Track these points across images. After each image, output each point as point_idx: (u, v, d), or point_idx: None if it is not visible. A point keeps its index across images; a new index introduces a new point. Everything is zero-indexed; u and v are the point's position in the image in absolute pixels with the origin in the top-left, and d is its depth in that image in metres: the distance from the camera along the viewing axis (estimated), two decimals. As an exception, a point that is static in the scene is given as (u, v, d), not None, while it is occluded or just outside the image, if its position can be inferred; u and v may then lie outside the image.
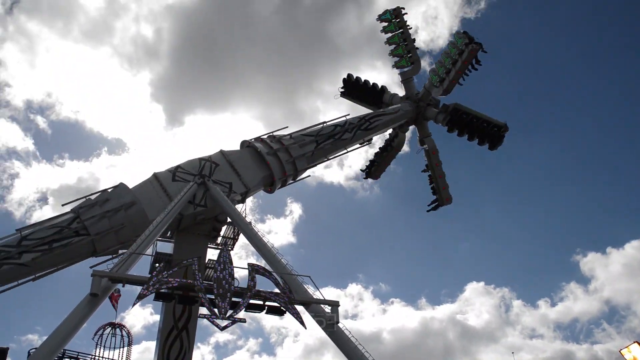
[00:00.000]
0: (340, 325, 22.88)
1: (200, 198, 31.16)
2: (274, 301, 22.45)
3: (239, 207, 33.08)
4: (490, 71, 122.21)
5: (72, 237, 28.18)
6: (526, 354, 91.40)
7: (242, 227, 28.95)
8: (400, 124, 47.77)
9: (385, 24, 47.75)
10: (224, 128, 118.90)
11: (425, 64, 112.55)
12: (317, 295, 23.89)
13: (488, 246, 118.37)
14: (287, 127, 39.38)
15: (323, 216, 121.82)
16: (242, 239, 34.43)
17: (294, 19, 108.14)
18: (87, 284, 21.23)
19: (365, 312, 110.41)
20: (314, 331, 23.58)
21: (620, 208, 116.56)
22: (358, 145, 43.55)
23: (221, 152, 35.24)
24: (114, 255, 29.58)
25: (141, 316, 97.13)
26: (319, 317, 23.15)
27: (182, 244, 32.35)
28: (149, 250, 28.72)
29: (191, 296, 21.90)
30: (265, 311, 22.68)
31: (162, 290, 21.51)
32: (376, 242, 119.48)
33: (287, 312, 22.48)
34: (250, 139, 36.93)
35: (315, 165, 39.84)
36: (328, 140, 39.20)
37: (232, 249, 34.07)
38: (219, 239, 34.60)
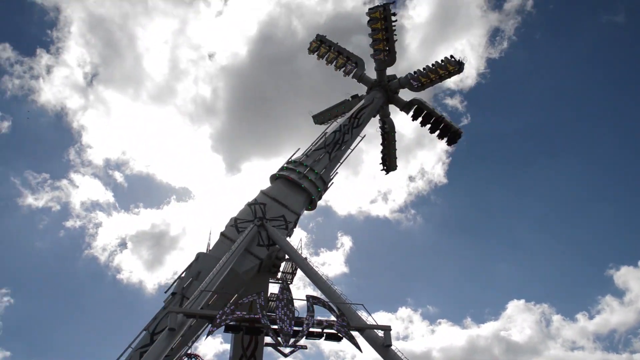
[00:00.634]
0: (393, 347, 24.68)
1: (266, 238, 33.74)
2: (332, 328, 24.31)
3: (294, 242, 35.42)
4: (519, 102, 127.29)
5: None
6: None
7: (299, 262, 31.28)
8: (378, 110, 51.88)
9: (372, 19, 49.94)
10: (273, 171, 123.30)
11: (456, 102, 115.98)
12: (370, 320, 25.76)
13: (526, 265, 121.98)
14: (298, 148, 42.77)
15: (371, 247, 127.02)
16: (299, 272, 36.64)
17: (334, 71, 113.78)
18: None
19: (415, 333, 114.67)
20: (369, 353, 25.41)
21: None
22: (358, 141, 46.86)
23: (261, 191, 37.89)
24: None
25: (212, 345, 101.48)
26: (373, 341, 25.02)
27: (248, 280, 34.91)
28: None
29: (257, 327, 23.93)
30: (324, 338, 24.50)
31: (231, 323, 23.68)
32: (422, 268, 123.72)
33: (343, 338, 24.44)
34: (277, 172, 39.84)
35: (335, 171, 43.26)
36: (336, 147, 42.86)
37: (291, 283, 36.13)
38: (279, 274, 36.93)
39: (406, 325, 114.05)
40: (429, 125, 52.73)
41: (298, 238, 36.19)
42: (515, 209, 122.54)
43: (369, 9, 49.13)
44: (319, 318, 24.45)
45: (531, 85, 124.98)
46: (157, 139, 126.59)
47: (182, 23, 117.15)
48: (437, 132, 52.96)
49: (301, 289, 41.60)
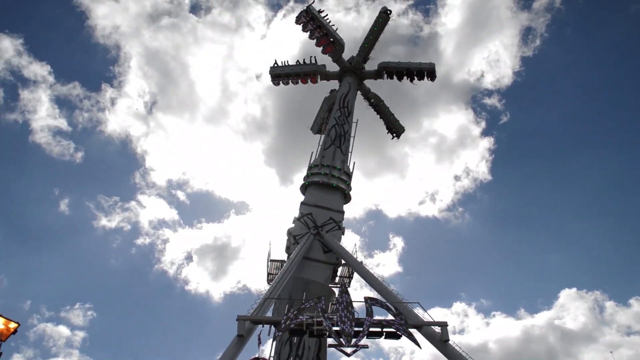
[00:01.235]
0: (450, 342, 25.71)
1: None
2: (390, 327, 25.32)
3: (349, 246, 36.88)
4: (556, 96, 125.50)
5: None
6: (626, 350, 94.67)
7: (355, 266, 32.65)
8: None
9: (301, 25, 51.21)
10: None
11: (495, 101, 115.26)
12: (426, 317, 26.84)
13: (575, 254, 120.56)
14: (312, 152, 44.80)
15: (423, 246, 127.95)
16: (356, 275, 38.02)
17: (375, 81, 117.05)
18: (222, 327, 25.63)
19: (471, 327, 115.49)
20: (427, 349, 26.45)
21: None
22: (355, 127, 48.63)
23: (302, 203, 39.57)
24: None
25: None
26: (431, 337, 26.08)
27: (307, 286, 36.55)
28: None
29: (319, 330, 24.98)
30: (383, 337, 25.51)
31: (295, 327, 25.01)
32: (473, 263, 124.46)
33: (402, 336, 25.50)
34: (305, 181, 41.58)
35: (351, 161, 45.38)
36: (341, 140, 44.88)
37: (349, 286, 37.44)
38: (337, 279, 38.40)
39: (461, 319, 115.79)
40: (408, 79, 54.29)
41: (352, 242, 37.54)
42: (560, 199, 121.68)
43: (296, 18, 50.62)
44: (377, 318, 25.45)
45: (567, 79, 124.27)
46: (213, 158, 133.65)
47: (230, 48, 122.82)
48: (415, 79, 54.15)
49: (358, 290, 42.85)
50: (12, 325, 22.62)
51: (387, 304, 26.63)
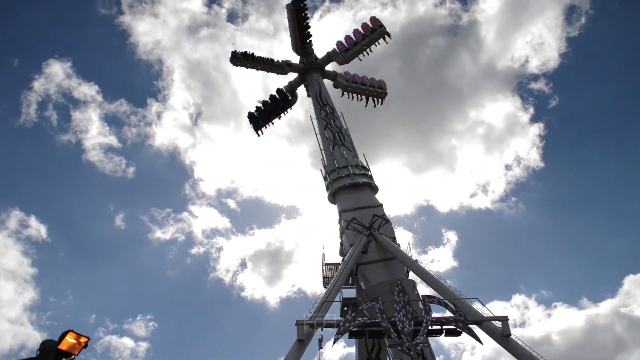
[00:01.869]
0: (512, 336, 25.35)
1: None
2: (450, 324, 25.44)
3: (403, 244, 36.69)
4: (606, 75, 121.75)
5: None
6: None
7: (410, 265, 32.47)
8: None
9: (370, 28, 51.84)
10: (376, 179, 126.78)
11: (542, 85, 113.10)
12: (486, 312, 26.53)
13: (638, 238, 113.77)
14: (321, 158, 44.99)
15: (477, 239, 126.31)
16: (412, 273, 37.84)
17: (417, 75, 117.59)
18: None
19: (532, 319, 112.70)
20: (488, 343, 26.28)
21: None
22: (342, 120, 48.02)
23: (341, 213, 39.48)
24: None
25: (336, 349, 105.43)
26: (492, 332, 25.76)
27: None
28: (337, 297, 33.15)
29: (378, 330, 25.45)
30: (443, 334, 25.64)
31: (354, 329, 25.35)
32: (530, 253, 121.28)
33: (462, 332, 25.37)
34: (331, 190, 41.65)
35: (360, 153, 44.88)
36: (340, 137, 44.82)
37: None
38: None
39: (522, 312, 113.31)
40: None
41: (405, 240, 37.39)
42: (619, 181, 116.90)
43: (375, 18, 51.95)
44: (436, 315, 25.51)
45: (616, 55, 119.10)
46: (260, 165, 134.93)
47: (269, 54, 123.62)
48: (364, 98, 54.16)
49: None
50: (83, 339, 23.52)
51: (445, 300, 26.54)
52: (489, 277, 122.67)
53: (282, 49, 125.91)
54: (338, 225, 40.20)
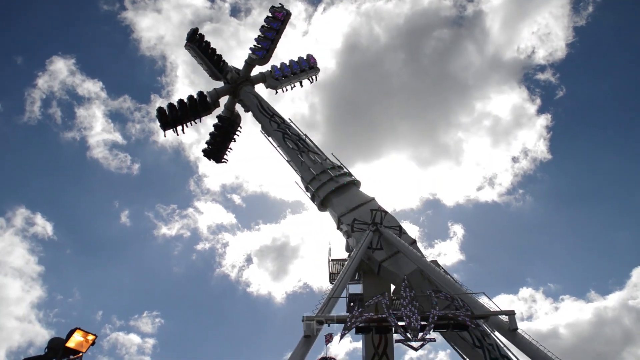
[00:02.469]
0: (519, 330, 25.31)
1: (377, 242, 35.33)
2: (457, 319, 25.22)
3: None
4: (615, 64, 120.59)
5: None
6: None
7: (415, 259, 32.50)
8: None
9: (274, 17, 50.05)
10: (381, 173, 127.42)
11: (548, 76, 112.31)
12: (492, 307, 26.53)
13: None
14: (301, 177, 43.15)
15: (484, 232, 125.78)
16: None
17: (421, 67, 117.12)
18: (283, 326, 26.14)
19: (540, 312, 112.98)
20: (495, 337, 26.26)
21: None
22: (294, 125, 46.97)
23: (339, 218, 38.86)
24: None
25: (343, 345, 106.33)
26: (498, 326, 25.75)
27: (369, 283, 36.78)
28: (344, 293, 33.29)
29: (385, 326, 25.33)
30: (451, 329, 25.67)
31: (360, 325, 25.27)
32: (538, 246, 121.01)
33: (470, 327, 25.33)
34: (320, 199, 40.66)
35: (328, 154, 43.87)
36: (303, 144, 44.17)
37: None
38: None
39: (529, 305, 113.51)
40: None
41: (411, 234, 37.19)
42: (627, 172, 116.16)
43: (273, 6, 49.58)
44: (443, 310, 25.35)
45: (624, 44, 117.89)
46: (265, 160, 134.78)
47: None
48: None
49: None
50: (90, 337, 23.78)
51: (452, 295, 26.46)
52: (496, 270, 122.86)
53: (287, 43, 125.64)
54: (340, 231, 39.80)
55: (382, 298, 26.23)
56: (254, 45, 50.07)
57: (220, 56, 51.32)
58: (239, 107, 51.95)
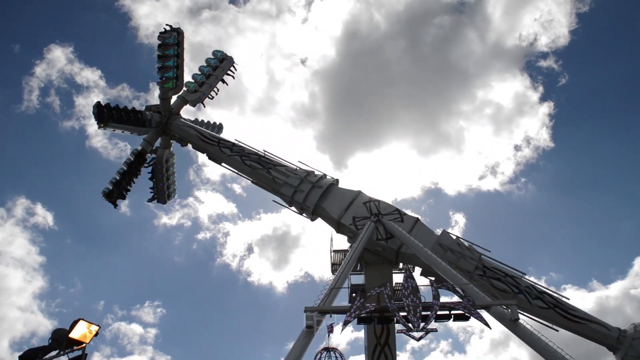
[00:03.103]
0: (520, 320, 25.41)
1: (384, 232, 35.87)
2: (458, 309, 25.41)
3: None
4: (618, 51, 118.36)
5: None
6: None
7: (418, 250, 32.67)
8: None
9: (164, 44, 45.51)
10: (382, 162, 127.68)
11: (551, 63, 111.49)
12: (495, 297, 26.62)
13: None
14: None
15: (485, 221, 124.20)
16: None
17: (421, 55, 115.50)
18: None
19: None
20: (496, 327, 26.34)
21: None
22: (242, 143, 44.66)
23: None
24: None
25: (344, 335, 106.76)
26: (500, 316, 25.80)
27: (371, 274, 36.89)
28: (346, 284, 33.46)
29: (387, 316, 25.44)
30: (452, 319, 25.51)
31: (362, 315, 25.35)
32: (540, 235, 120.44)
33: (471, 317, 25.38)
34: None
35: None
36: (263, 159, 42.59)
37: (413, 270, 37.58)
38: (401, 265, 38.52)
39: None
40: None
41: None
42: (631, 160, 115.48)
43: (161, 33, 44.69)
44: (444, 301, 25.39)
45: (628, 30, 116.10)
46: (265, 148, 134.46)
47: (272, 36, 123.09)
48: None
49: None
50: (94, 328, 23.99)
51: (453, 285, 26.56)
52: (497, 259, 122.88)
53: (285, 30, 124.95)
54: (341, 234, 39.48)
55: (384, 288, 26.31)
56: (161, 78, 45.72)
57: (134, 109, 46.14)
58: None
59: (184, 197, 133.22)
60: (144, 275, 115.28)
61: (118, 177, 45.92)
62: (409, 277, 26.89)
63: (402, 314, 24.92)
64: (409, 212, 37.64)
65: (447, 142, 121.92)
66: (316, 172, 40.84)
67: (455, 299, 25.53)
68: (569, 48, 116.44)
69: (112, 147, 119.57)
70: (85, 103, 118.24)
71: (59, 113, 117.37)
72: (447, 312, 25.30)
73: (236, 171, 43.75)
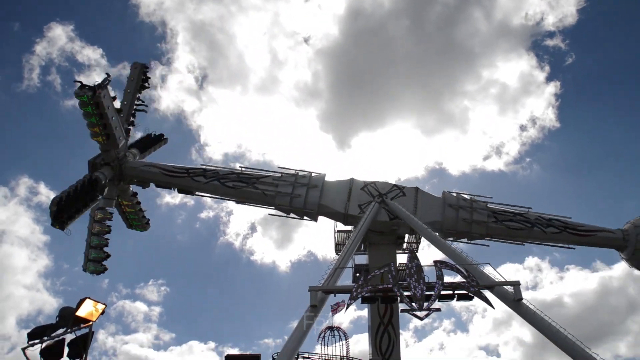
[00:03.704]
0: (524, 300, 25.54)
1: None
2: (462, 289, 25.41)
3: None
4: (626, 31, 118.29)
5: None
6: None
7: (422, 231, 32.73)
8: None
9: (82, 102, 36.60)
10: (386, 142, 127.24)
11: (558, 42, 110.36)
12: (497, 277, 26.70)
13: None
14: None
15: (490, 201, 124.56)
16: (424, 241, 38.24)
17: (426, 34, 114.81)
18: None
19: (545, 281, 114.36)
20: (499, 307, 26.43)
21: None
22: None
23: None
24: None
25: (348, 314, 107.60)
26: (503, 296, 25.93)
27: (375, 254, 37.13)
28: (350, 264, 33.69)
29: (390, 296, 25.51)
30: (455, 299, 25.60)
31: (366, 295, 25.48)
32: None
33: (474, 297, 25.50)
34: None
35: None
36: (243, 177, 39.17)
37: (417, 251, 37.82)
38: (405, 245, 38.74)
39: (534, 274, 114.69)
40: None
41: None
42: (636, 141, 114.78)
43: (75, 92, 36.03)
44: (448, 280, 25.47)
45: (637, 9, 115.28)
46: (268, 128, 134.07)
47: (275, 15, 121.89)
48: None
49: (425, 249, 42.46)
50: (100, 306, 24.28)
51: (457, 266, 26.61)
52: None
53: (288, 9, 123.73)
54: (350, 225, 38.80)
55: (387, 268, 26.46)
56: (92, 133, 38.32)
57: (84, 183, 38.50)
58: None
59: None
60: (148, 254, 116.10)
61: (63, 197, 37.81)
62: (413, 258, 27.02)
63: (405, 293, 25.01)
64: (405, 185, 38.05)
65: (451, 122, 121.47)
66: (300, 173, 39.03)
67: (459, 278, 25.41)
68: (576, 27, 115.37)
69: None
70: (87, 82, 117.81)
71: (60, 92, 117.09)
72: (450, 292, 25.40)
73: (217, 197, 40.78)
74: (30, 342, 23.27)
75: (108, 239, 40.26)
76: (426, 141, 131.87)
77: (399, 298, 25.20)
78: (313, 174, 38.92)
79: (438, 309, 24.99)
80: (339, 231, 40.36)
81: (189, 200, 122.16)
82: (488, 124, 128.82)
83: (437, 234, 35.28)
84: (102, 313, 24.54)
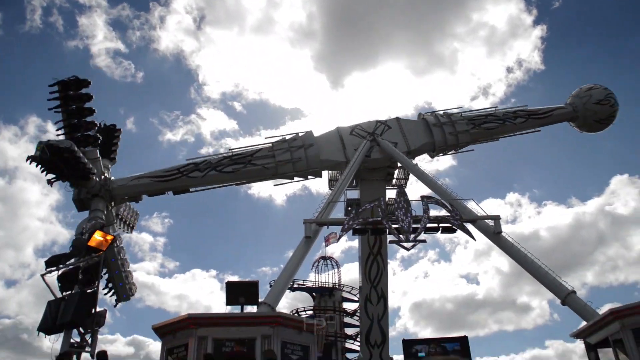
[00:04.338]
0: (503, 234, 27.33)
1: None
2: (446, 222, 26.98)
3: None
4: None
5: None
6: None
7: (410, 167, 34.30)
8: None
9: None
10: (378, 82, 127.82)
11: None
12: (480, 212, 28.38)
13: (628, 140, 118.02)
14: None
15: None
16: (412, 178, 39.85)
17: None
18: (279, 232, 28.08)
19: (524, 216, 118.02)
20: (480, 239, 28.15)
21: None
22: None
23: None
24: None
25: (339, 244, 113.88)
26: (484, 229, 27.69)
27: (366, 189, 38.73)
28: (342, 198, 35.28)
29: (380, 228, 27.06)
30: (440, 231, 27.20)
31: (357, 227, 26.94)
32: (526, 153, 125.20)
33: (458, 230, 27.22)
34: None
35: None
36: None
37: (405, 187, 39.48)
38: (394, 181, 40.33)
39: (515, 209, 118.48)
40: None
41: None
42: (617, 84, 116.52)
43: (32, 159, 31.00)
44: (433, 214, 26.95)
45: None
46: (264, 68, 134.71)
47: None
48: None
49: (413, 184, 43.89)
50: (109, 237, 25.98)
51: (443, 201, 28.07)
52: (485, 175, 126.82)
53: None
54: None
55: (378, 202, 28.06)
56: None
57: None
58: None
59: (186, 114, 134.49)
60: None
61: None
62: (401, 193, 28.53)
63: (394, 226, 26.49)
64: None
65: (441, 63, 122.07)
66: (287, 137, 38.14)
67: (444, 212, 27.05)
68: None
69: (116, 66, 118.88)
70: (88, 23, 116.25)
71: (63, 32, 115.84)
72: (435, 225, 26.94)
73: (219, 185, 37.90)
74: (48, 270, 25.22)
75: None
76: (416, 81, 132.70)
77: (387, 230, 26.64)
78: (300, 134, 38.26)
79: (424, 241, 26.64)
80: (332, 166, 41.74)
81: (189, 137, 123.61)
82: (476, 65, 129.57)
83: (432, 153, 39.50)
84: (111, 243, 26.35)
